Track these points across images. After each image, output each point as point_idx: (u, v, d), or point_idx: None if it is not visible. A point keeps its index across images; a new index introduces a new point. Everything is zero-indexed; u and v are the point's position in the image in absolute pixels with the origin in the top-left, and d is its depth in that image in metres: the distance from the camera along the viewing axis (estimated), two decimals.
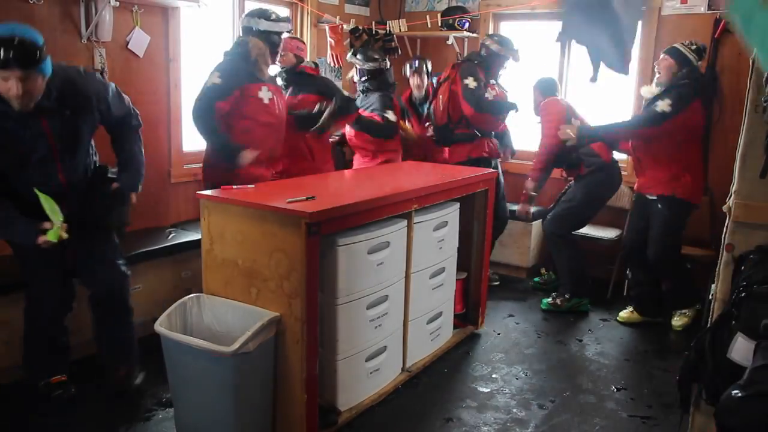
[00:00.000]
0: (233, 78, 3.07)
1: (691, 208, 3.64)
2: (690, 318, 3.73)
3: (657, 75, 3.62)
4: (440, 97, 4.19)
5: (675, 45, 3.58)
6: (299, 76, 3.68)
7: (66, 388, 2.67)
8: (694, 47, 3.54)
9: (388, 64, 4.08)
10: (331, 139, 3.98)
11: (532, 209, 4.22)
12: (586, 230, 4.42)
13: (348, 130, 4.00)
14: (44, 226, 2.30)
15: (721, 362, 1.83)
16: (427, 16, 4.98)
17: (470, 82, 4.00)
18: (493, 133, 4.24)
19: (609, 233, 4.34)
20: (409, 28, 5.10)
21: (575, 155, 3.96)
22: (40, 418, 2.56)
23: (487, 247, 3.60)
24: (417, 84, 4.35)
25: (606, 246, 4.35)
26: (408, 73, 4.40)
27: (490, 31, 4.97)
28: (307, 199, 2.35)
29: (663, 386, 3.03)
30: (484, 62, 4.11)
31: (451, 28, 4.89)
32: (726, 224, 2.05)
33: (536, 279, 4.54)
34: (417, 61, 4.35)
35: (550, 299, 4.04)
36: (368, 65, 3.97)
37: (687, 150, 3.57)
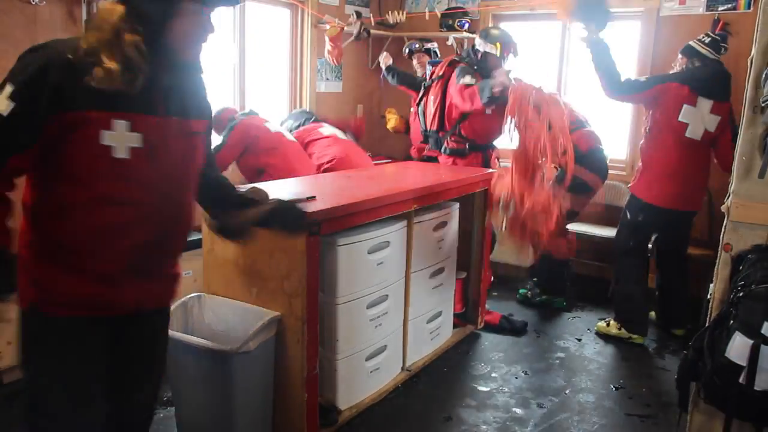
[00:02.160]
0: None
1: (647, 209, 3.39)
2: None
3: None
4: (432, 98, 3.85)
5: (689, 42, 3.40)
6: None
7: None
8: (707, 40, 3.33)
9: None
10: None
11: None
12: (585, 229, 4.43)
13: None
14: None
15: (719, 361, 1.84)
16: (427, 13, 4.98)
17: (468, 80, 3.55)
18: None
19: (608, 232, 4.35)
20: (409, 28, 5.11)
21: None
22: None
23: (486, 247, 3.61)
24: (422, 62, 4.38)
25: (606, 245, 4.36)
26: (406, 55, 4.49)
27: None
28: (307, 199, 2.36)
29: (661, 385, 3.04)
30: (480, 64, 3.68)
31: (451, 28, 4.89)
32: (724, 224, 2.06)
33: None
34: (415, 43, 4.43)
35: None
36: None
37: (655, 148, 3.38)
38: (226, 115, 3.83)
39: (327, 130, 4.03)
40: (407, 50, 4.55)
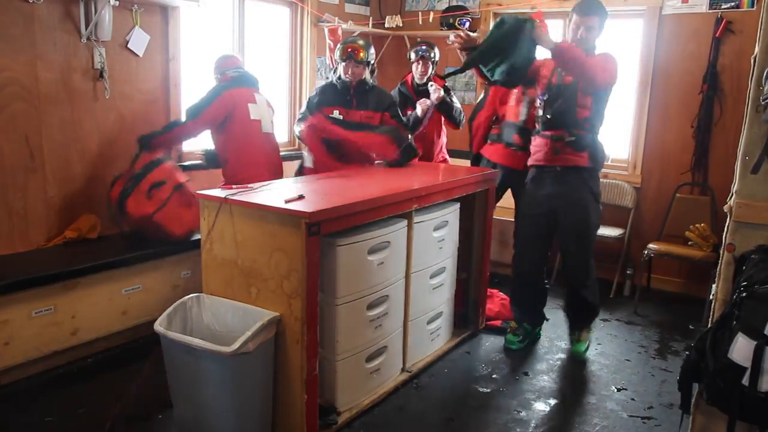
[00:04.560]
0: None
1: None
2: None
3: None
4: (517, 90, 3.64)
5: None
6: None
7: None
8: None
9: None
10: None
11: None
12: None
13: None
14: None
15: (722, 362, 1.82)
16: (421, 14, 4.98)
17: None
18: None
19: (612, 232, 4.33)
20: (408, 27, 5.10)
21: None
22: (40, 420, 2.56)
23: (486, 247, 3.59)
24: (422, 71, 3.97)
25: (609, 245, 4.34)
26: (412, 58, 3.99)
27: None
28: (298, 197, 2.36)
29: (663, 386, 3.03)
30: None
31: (452, 27, 4.88)
32: (727, 224, 2.04)
33: (511, 337, 3.47)
34: (425, 47, 4.00)
35: (582, 347, 3.38)
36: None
37: None
38: (225, 64, 3.59)
39: (255, 110, 3.51)
40: (416, 54, 3.98)
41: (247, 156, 3.46)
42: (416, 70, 4.02)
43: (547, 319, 3.67)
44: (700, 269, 4.12)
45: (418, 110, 3.87)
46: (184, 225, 3.32)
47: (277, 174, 3.58)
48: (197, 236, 2.72)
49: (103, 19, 3.23)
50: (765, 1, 1.92)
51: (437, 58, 4.08)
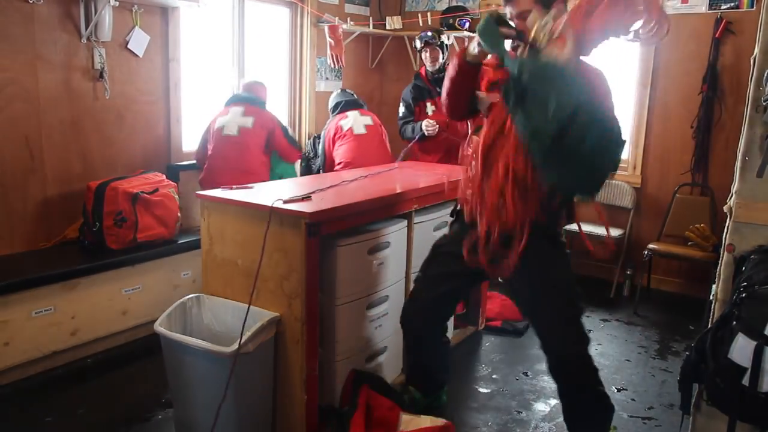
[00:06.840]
0: None
1: None
2: None
3: None
4: None
5: None
6: None
7: None
8: None
9: None
10: None
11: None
12: (590, 228, 4.37)
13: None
14: None
15: (722, 363, 1.82)
16: (420, 15, 4.98)
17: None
18: None
19: (612, 232, 4.33)
20: (408, 28, 5.10)
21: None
22: (40, 420, 2.56)
23: None
24: (432, 58, 3.97)
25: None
26: (418, 46, 4.01)
27: None
28: (302, 198, 2.35)
29: (664, 387, 3.03)
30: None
31: (451, 27, 4.89)
32: (727, 224, 2.05)
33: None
34: (429, 33, 3.96)
35: None
36: None
37: None
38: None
39: (348, 122, 4.05)
40: (421, 41, 3.97)
41: (213, 160, 3.60)
42: (425, 57, 4.00)
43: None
44: (700, 269, 4.12)
45: (424, 128, 3.94)
46: (168, 222, 3.36)
47: (248, 176, 3.43)
48: (198, 236, 2.72)
49: (103, 20, 3.23)
50: (765, 2, 1.93)
51: (448, 42, 4.08)
